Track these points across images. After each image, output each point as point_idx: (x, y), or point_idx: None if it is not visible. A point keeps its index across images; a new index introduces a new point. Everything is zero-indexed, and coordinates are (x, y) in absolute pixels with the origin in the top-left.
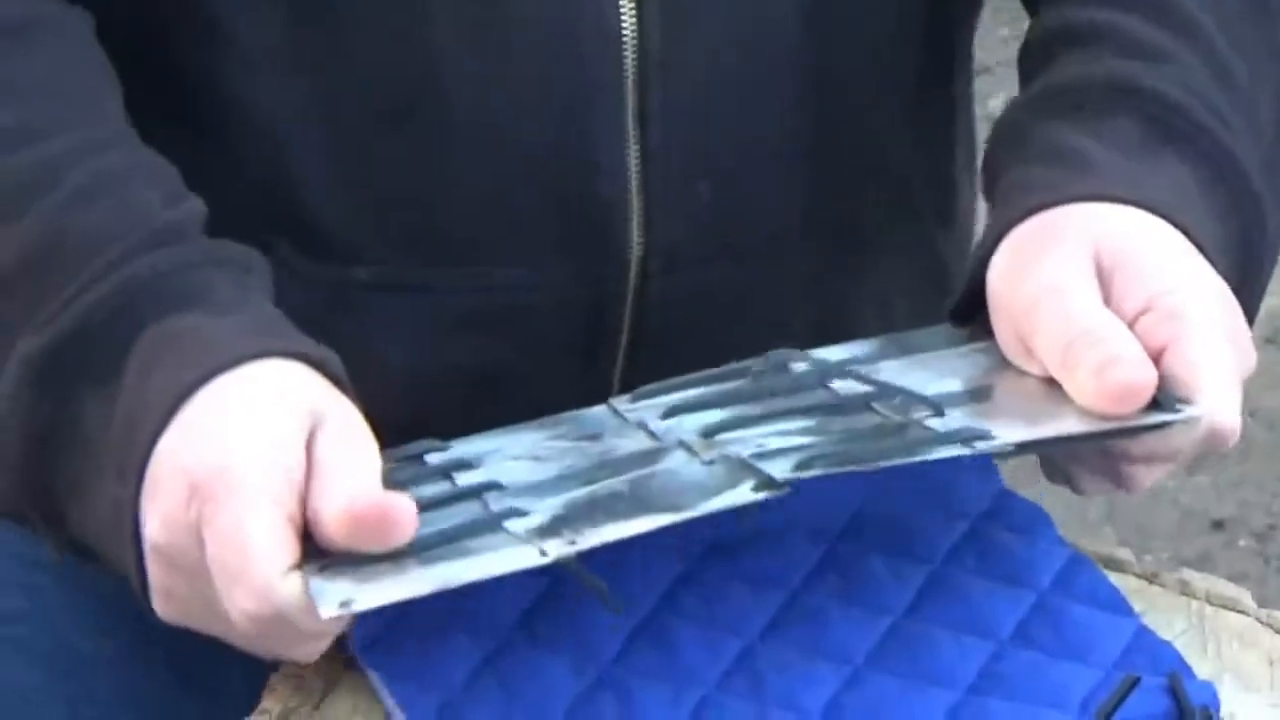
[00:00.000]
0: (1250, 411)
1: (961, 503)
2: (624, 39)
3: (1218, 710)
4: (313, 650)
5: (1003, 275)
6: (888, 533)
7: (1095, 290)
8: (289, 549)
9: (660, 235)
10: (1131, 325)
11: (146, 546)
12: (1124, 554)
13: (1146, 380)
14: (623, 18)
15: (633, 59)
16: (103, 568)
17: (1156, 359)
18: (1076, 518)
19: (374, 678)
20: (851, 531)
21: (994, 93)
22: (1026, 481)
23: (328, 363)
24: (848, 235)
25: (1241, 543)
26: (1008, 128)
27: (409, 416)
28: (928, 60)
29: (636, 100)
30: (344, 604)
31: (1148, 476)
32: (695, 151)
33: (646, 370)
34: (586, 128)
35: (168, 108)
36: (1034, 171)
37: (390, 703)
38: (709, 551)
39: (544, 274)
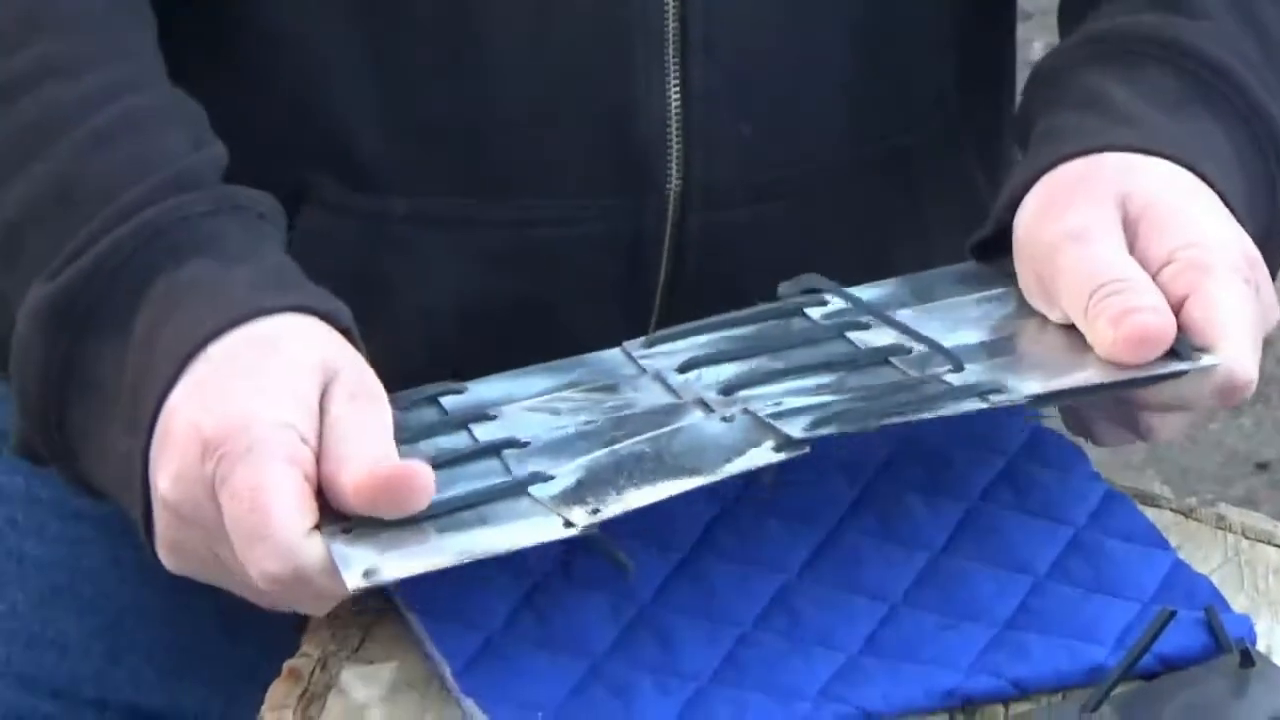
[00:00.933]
0: None
1: (998, 440)
2: None
3: (1254, 643)
4: (326, 606)
5: (1030, 219)
6: (924, 470)
7: (1119, 239)
8: (309, 510)
9: (699, 172)
10: (1155, 275)
11: (156, 500)
12: (1159, 489)
13: (1164, 327)
14: None
15: None
16: (116, 505)
17: (1177, 309)
18: (1119, 460)
19: (412, 619)
20: (888, 469)
21: (1034, 38)
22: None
23: (338, 315)
24: (891, 180)
25: None
26: (1046, 73)
27: (447, 353)
28: (978, 3)
29: (677, 35)
30: (368, 574)
31: (1166, 426)
32: (736, 89)
33: (684, 311)
34: (626, 62)
35: (212, 39)
36: (1070, 118)
37: (429, 643)
38: (745, 491)
39: (583, 209)
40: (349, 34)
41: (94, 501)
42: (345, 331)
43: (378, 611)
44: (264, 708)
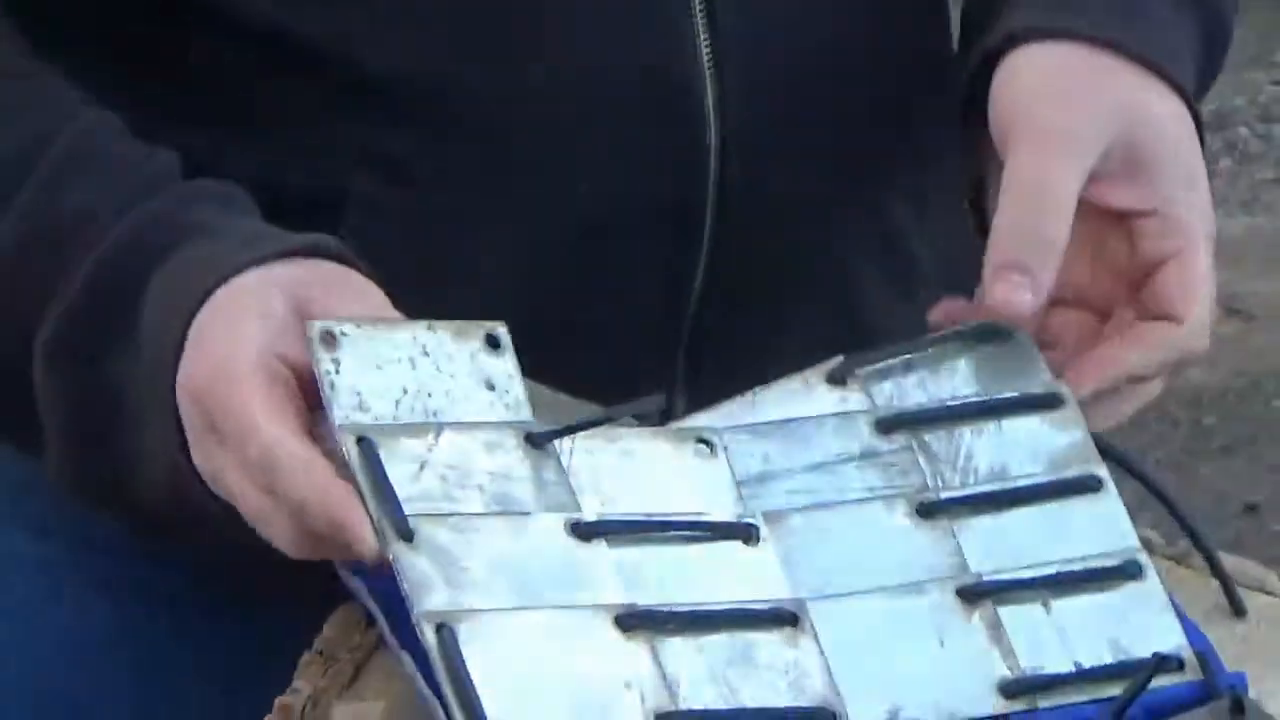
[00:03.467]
0: None
1: None
2: None
3: (1246, 692)
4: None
5: (1033, 90)
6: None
7: (1085, 168)
8: (289, 411)
9: (736, 121)
10: (1139, 218)
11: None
12: (1152, 535)
13: (1021, 308)
14: None
15: None
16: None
17: (1153, 266)
18: None
19: (405, 658)
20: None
21: None
22: None
23: (321, 246)
24: (909, 150)
25: (1275, 526)
26: None
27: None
28: None
29: None
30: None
31: (1127, 405)
32: (766, 36)
33: (727, 283)
34: (657, 17)
35: (248, 44)
36: None
37: (421, 683)
38: None
39: (624, 176)
40: (379, 30)
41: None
42: (339, 257)
43: (370, 648)
44: None
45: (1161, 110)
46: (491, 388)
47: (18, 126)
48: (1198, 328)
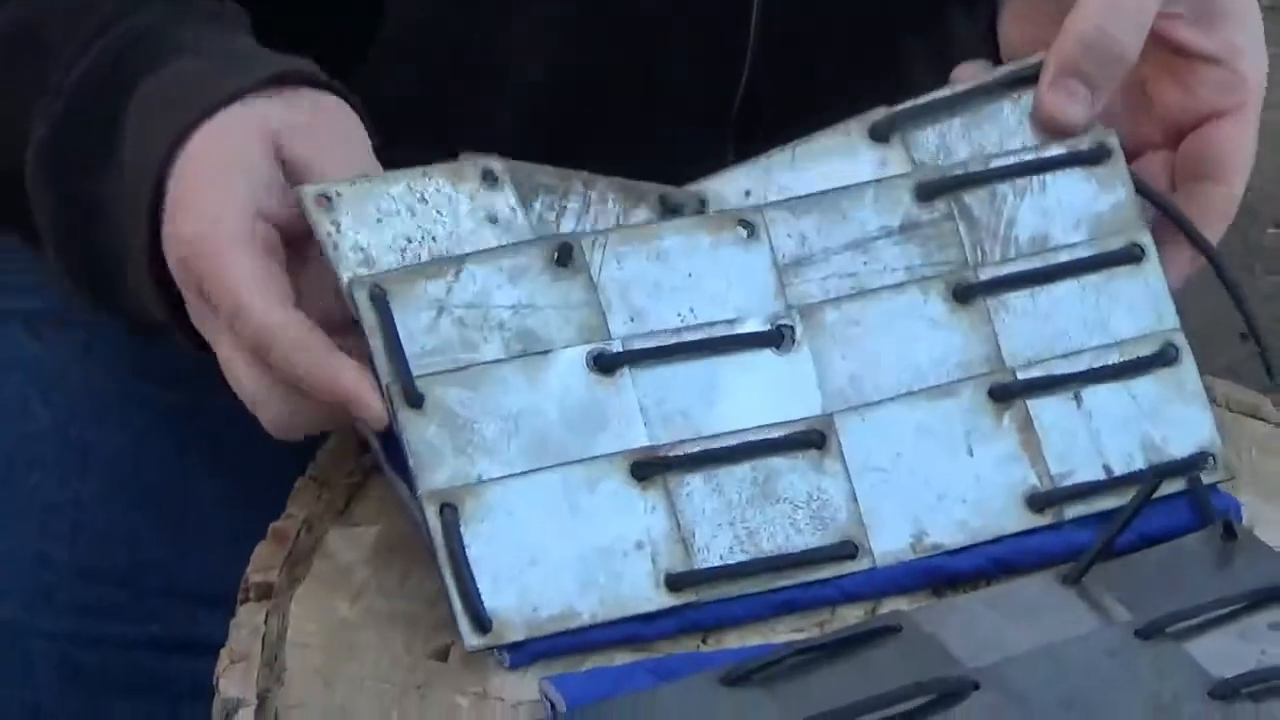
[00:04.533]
0: None
1: None
2: None
3: (1240, 518)
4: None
5: None
6: None
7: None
8: (277, 281)
9: None
10: (1199, 60)
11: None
12: None
13: (1074, 123)
14: None
15: None
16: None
17: (1208, 115)
18: None
19: (398, 483)
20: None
21: None
22: None
23: (303, 71)
24: None
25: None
26: None
27: (547, 122)
28: None
29: None
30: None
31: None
32: None
33: (772, 73)
34: None
35: None
36: None
37: (414, 508)
38: None
39: None
40: None
41: (157, 389)
42: (320, 83)
43: (365, 474)
44: (249, 569)
45: None
46: (495, 221)
47: None
48: (1240, 190)
